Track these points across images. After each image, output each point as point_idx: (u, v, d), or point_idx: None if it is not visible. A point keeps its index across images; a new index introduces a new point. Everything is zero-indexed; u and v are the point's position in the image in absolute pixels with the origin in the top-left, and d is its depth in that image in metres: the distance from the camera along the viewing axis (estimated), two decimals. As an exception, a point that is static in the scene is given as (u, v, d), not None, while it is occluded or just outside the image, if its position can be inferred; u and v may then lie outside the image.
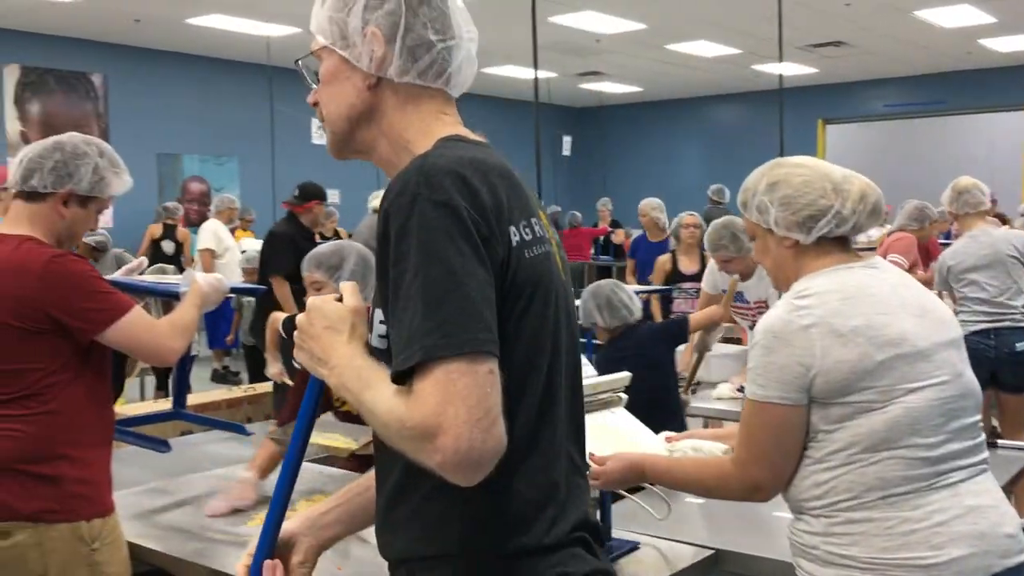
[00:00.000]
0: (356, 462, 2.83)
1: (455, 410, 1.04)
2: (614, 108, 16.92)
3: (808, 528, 1.71)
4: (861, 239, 4.24)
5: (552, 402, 1.22)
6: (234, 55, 11.70)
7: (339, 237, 9.10)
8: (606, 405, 2.21)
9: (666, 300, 5.85)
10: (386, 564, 1.28)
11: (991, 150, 14.09)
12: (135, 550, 2.24)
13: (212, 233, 8.39)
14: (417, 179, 1.13)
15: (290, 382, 3.48)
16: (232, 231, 8.97)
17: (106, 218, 2.34)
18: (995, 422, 4.51)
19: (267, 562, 1.31)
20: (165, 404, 4.28)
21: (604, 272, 12.48)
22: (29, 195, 2.14)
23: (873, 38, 11.58)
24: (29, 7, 9.55)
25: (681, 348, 4.09)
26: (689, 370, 4.02)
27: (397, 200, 1.13)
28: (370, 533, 1.33)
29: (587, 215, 13.68)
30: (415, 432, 1.06)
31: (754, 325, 4.28)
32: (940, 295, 4.21)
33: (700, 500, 2.58)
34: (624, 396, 2.28)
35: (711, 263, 4.39)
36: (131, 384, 6.96)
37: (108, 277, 2.32)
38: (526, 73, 13.38)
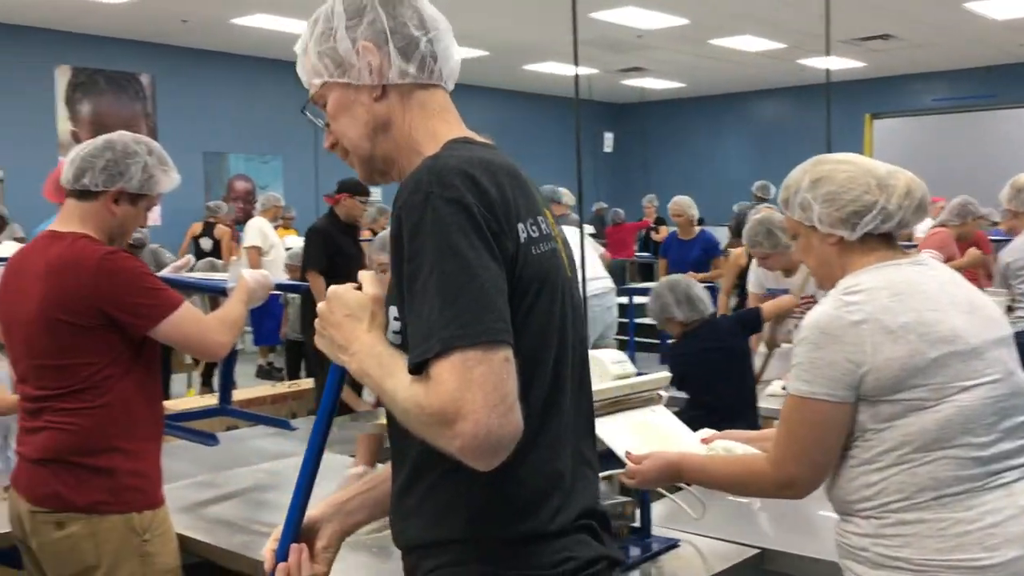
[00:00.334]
0: None
1: (473, 396, 1.08)
2: (656, 104, 16.82)
3: (857, 530, 1.69)
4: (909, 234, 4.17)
5: (559, 395, 1.26)
6: (279, 55, 11.82)
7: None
8: (647, 403, 2.21)
9: (740, 297, 5.69)
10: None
11: (1043, 144, 13.79)
12: (184, 542, 2.28)
13: (258, 230, 8.50)
14: (429, 178, 1.17)
15: None
16: (275, 229, 9.09)
17: (154, 216, 2.39)
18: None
19: (293, 546, 1.35)
20: (211, 399, 4.35)
21: (646, 269, 12.43)
22: (81, 193, 2.19)
23: (922, 31, 11.37)
24: (79, 9, 9.75)
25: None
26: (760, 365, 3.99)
27: (411, 199, 1.17)
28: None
29: (630, 212, 13.63)
30: (435, 418, 1.09)
31: (799, 321, 4.26)
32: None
33: (744, 499, 2.56)
34: (664, 394, 2.27)
35: (753, 262, 4.35)
36: (179, 379, 7.09)
37: (158, 274, 2.37)
38: (567, 70, 13.36)
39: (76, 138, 10.82)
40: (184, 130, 11.26)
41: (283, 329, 7.77)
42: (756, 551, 2.20)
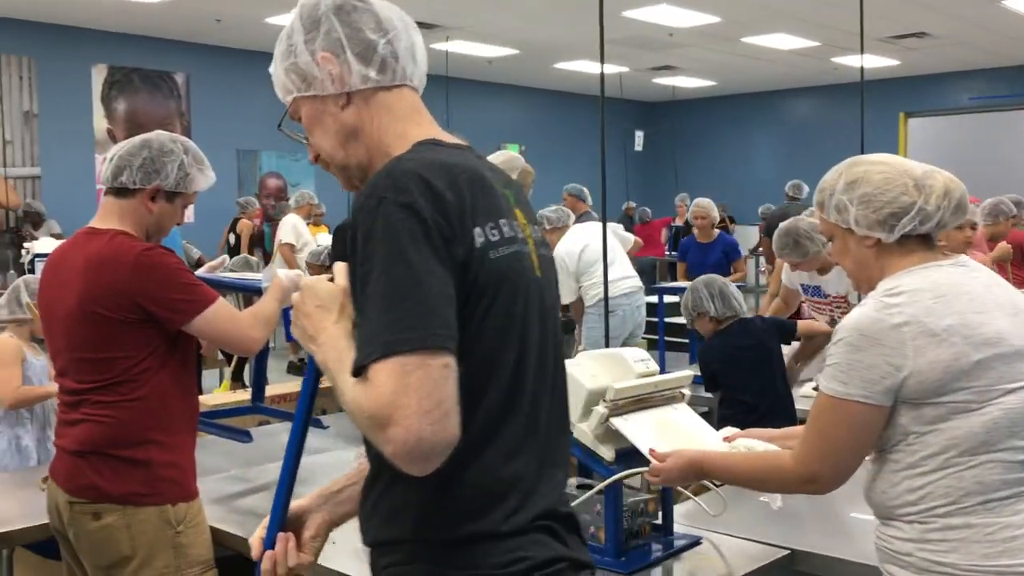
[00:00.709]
0: None
1: (407, 401, 1.08)
2: (687, 102, 16.75)
3: (900, 534, 1.67)
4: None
5: (518, 397, 1.25)
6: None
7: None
8: (669, 401, 2.22)
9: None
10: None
11: (1083, 144, 13.57)
12: (216, 534, 2.32)
13: (292, 228, 8.58)
14: (383, 182, 1.19)
15: None
16: (308, 226, 9.18)
17: (187, 213, 2.44)
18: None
19: (280, 535, 1.37)
20: (243, 394, 4.41)
21: (674, 268, 12.39)
22: (119, 191, 2.24)
23: (958, 28, 11.23)
24: (116, 9, 9.90)
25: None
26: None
27: (365, 203, 1.19)
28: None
29: (661, 210, 13.60)
30: (371, 421, 1.11)
31: (833, 321, 4.23)
32: None
33: (772, 499, 2.56)
34: (687, 392, 2.28)
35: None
36: (211, 375, 7.18)
37: (196, 274, 2.42)
38: (596, 68, 13.32)
39: (112, 136, 10.99)
40: (217, 128, 11.39)
41: None
42: (786, 552, 2.18)
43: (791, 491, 1.84)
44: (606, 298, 4.21)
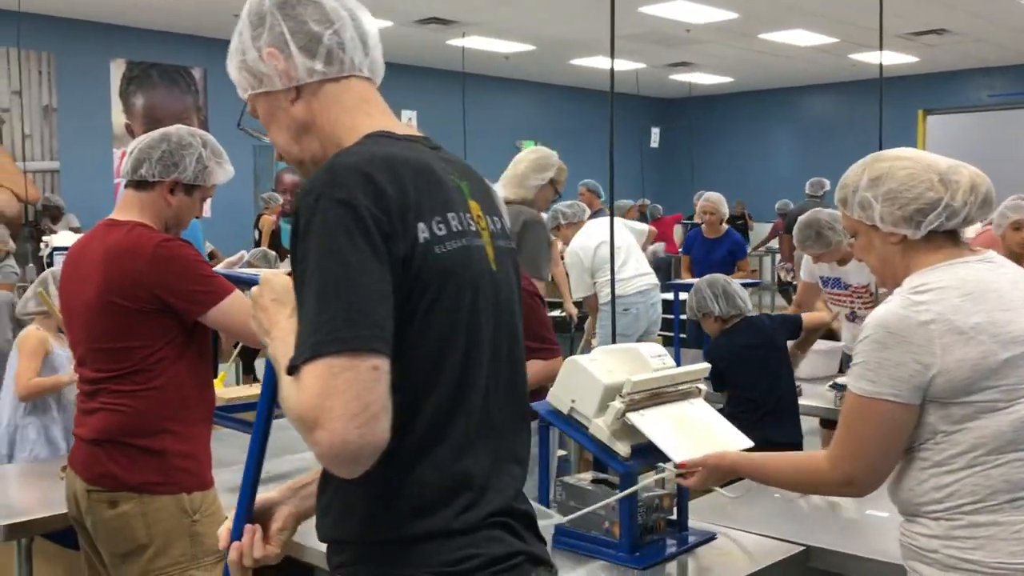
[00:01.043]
0: None
1: (332, 404, 1.07)
2: (703, 99, 16.69)
3: (926, 531, 1.66)
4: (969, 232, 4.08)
5: (467, 393, 1.24)
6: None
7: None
8: (685, 396, 2.21)
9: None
10: None
11: (1104, 141, 13.44)
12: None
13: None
14: (323, 178, 1.17)
15: None
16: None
17: (204, 208, 2.45)
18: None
19: (247, 526, 1.37)
20: (256, 388, 4.43)
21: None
22: (139, 184, 2.27)
23: (978, 24, 11.13)
24: (134, 4, 9.95)
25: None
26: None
27: (304, 199, 1.18)
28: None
29: (678, 207, 13.54)
30: (299, 423, 1.10)
31: (852, 313, 4.21)
32: None
33: (789, 495, 2.55)
34: (703, 388, 2.28)
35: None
36: (229, 370, 7.21)
37: (215, 269, 2.44)
38: (615, 64, 13.30)
39: (130, 131, 11.05)
40: (234, 123, 11.40)
41: None
42: (801, 548, 2.18)
43: (828, 493, 1.83)
44: (613, 294, 4.23)
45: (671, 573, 2.07)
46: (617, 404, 2.03)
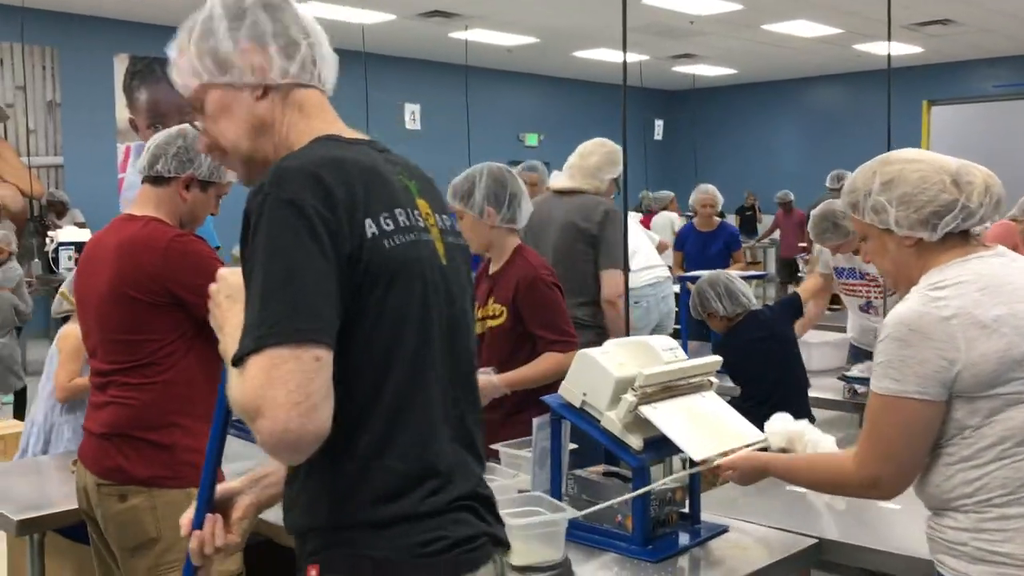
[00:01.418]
0: None
1: (274, 393, 1.12)
2: (707, 91, 16.66)
3: (955, 524, 1.66)
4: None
5: (423, 383, 1.28)
6: (330, 42, 11.94)
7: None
8: (697, 389, 2.21)
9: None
10: None
11: (1110, 132, 13.39)
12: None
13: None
14: (272, 179, 1.21)
15: None
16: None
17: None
18: None
19: (208, 515, 1.41)
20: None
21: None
22: (155, 179, 2.29)
23: (983, 15, 11.10)
24: (138, -1, 9.94)
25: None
26: None
27: (253, 199, 1.22)
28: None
29: (681, 200, 13.50)
30: (244, 413, 1.15)
31: (868, 303, 4.19)
32: None
33: (798, 489, 2.55)
34: (715, 380, 2.27)
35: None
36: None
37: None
38: (617, 56, 13.26)
39: (134, 126, 11.05)
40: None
41: None
42: (813, 540, 2.17)
43: (854, 495, 1.84)
44: (627, 287, 4.20)
45: (683, 566, 2.07)
46: (629, 397, 2.03)
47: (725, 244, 6.50)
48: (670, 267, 6.03)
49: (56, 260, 8.61)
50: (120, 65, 11.01)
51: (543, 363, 2.68)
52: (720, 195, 6.56)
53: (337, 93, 1.47)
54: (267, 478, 1.48)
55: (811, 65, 14.63)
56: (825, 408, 3.94)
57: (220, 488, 1.44)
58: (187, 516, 1.43)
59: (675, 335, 5.76)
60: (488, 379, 2.64)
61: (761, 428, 2.16)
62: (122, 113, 11.04)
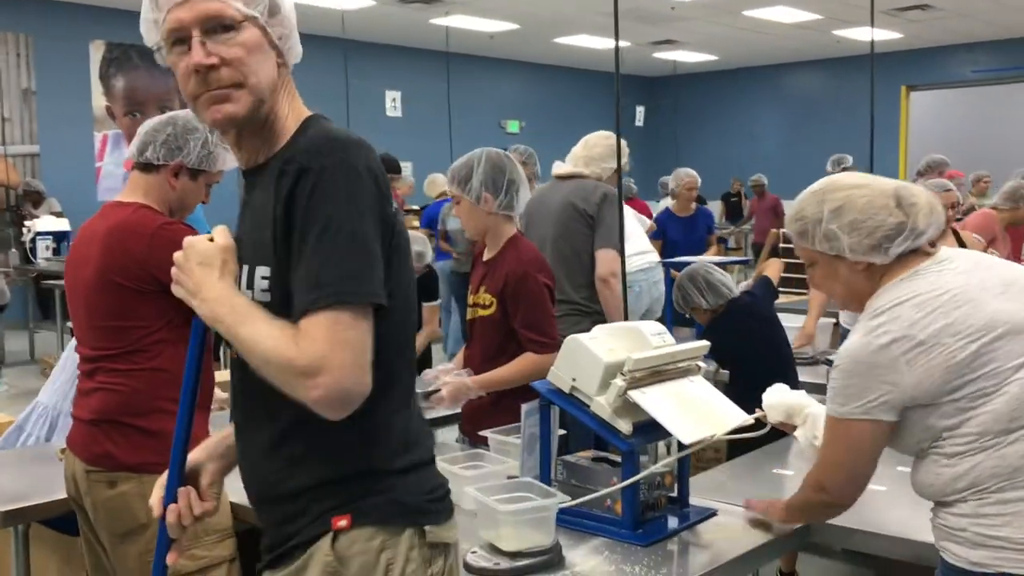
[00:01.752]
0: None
1: (339, 354, 1.20)
2: (688, 77, 16.67)
3: (956, 511, 1.70)
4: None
5: (412, 343, 1.44)
6: (310, 28, 11.81)
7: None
8: (685, 374, 2.22)
9: None
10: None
11: (1086, 116, 13.52)
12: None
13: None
14: (336, 144, 1.28)
15: None
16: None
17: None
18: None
19: (180, 489, 1.45)
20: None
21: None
22: (144, 166, 2.27)
23: (962, 0, 11.15)
24: (114, -16, 9.81)
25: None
26: None
27: (321, 159, 1.26)
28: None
29: (653, 186, 13.52)
30: (300, 369, 1.20)
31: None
32: None
33: (787, 471, 2.57)
34: (703, 365, 2.28)
35: None
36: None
37: None
38: (599, 43, 13.26)
39: (111, 113, 10.92)
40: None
41: None
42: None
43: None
44: (624, 273, 4.21)
45: (673, 550, 2.07)
46: (619, 382, 2.03)
47: (707, 228, 6.51)
48: None
49: (34, 250, 8.52)
50: (96, 52, 10.87)
51: (520, 364, 2.64)
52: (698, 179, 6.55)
53: (317, 80, 1.49)
54: (224, 442, 1.54)
55: (791, 51, 14.67)
56: (809, 392, 3.96)
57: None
58: (156, 496, 1.47)
59: (660, 321, 5.78)
60: (462, 381, 2.64)
61: (754, 411, 2.18)
62: (99, 101, 10.91)
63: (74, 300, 2.30)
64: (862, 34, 12.76)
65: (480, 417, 2.67)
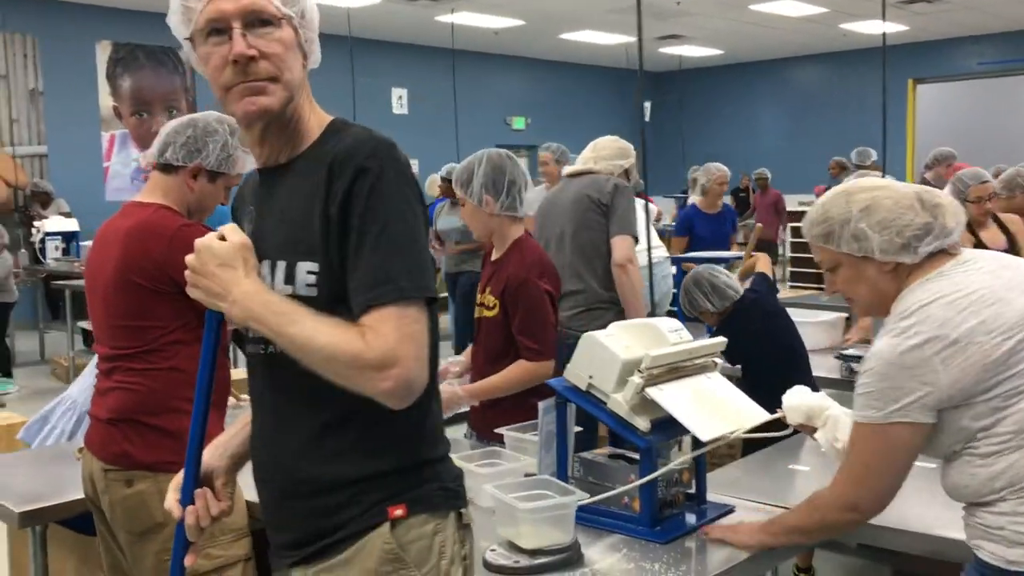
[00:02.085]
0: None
1: (409, 347, 1.26)
2: (693, 72, 16.63)
3: (993, 510, 1.68)
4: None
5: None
6: (320, 28, 11.83)
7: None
8: (702, 370, 2.21)
9: None
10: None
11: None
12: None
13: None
14: (380, 148, 1.32)
15: None
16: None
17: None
18: None
19: (196, 491, 1.46)
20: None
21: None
22: (164, 167, 2.28)
23: (968, -7, 11.11)
24: (120, -15, 9.82)
25: None
26: None
27: (372, 158, 1.30)
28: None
29: (667, 181, 13.52)
30: (370, 362, 1.23)
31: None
32: None
33: (802, 467, 2.57)
34: (719, 361, 2.27)
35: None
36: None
37: None
38: (604, 38, 13.24)
39: (117, 113, 10.94)
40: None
41: None
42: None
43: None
44: (649, 260, 4.27)
45: (691, 547, 2.07)
46: (636, 379, 2.03)
47: (732, 225, 6.46)
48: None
49: (43, 250, 8.55)
50: (102, 52, 10.89)
51: (512, 372, 2.63)
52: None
53: (323, 78, 1.50)
54: (232, 440, 1.55)
55: (797, 45, 14.63)
56: (823, 387, 3.95)
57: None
58: (172, 499, 1.47)
59: (670, 315, 5.78)
60: (453, 391, 2.62)
61: (771, 408, 2.17)
62: (105, 101, 10.92)
63: (93, 299, 2.31)
64: (869, 27, 12.73)
65: (497, 415, 2.66)
